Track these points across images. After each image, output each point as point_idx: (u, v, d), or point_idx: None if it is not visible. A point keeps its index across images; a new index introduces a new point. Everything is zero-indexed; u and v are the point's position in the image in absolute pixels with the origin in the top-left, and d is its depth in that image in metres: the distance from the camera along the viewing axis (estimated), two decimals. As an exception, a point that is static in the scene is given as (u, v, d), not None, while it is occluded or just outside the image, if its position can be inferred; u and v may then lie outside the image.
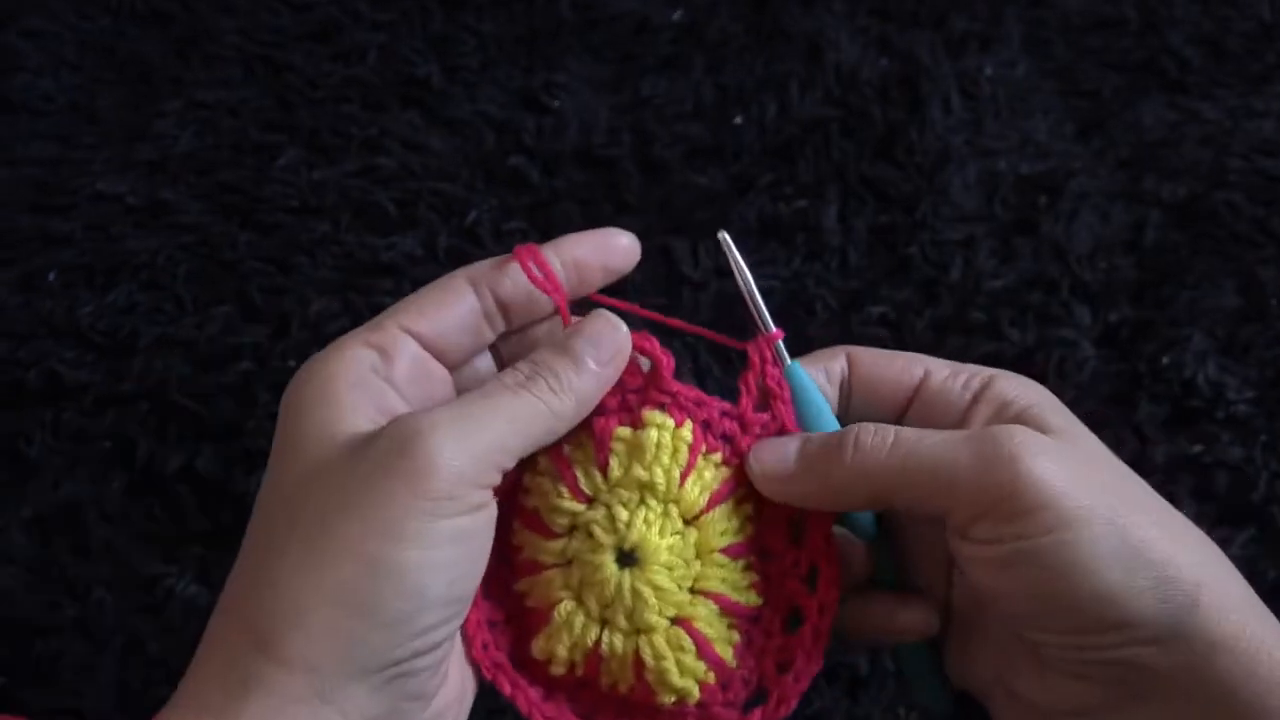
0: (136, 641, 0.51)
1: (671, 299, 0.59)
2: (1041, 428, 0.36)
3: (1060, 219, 0.60)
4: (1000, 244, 0.59)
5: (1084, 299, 0.58)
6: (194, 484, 0.54)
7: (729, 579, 0.39)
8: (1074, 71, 0.65)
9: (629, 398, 0.38)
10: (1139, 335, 0.56)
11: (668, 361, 0.39)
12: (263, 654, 0.31)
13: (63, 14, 0.70)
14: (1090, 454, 0.36)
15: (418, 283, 0.59)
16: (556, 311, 0.39)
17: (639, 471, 0.38)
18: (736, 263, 0.41)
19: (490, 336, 0.39)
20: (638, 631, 0.38)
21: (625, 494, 0.38)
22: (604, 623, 0.38)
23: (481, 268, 0.38)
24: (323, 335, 0.58)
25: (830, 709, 0.49)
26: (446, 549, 0.33)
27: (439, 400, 0.38)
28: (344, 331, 0.60)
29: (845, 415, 0.39)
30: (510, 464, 0.35)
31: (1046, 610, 0.34)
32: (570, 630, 0.38)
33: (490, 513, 0.35)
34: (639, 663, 0.37)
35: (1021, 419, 0.36)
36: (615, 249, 0.40)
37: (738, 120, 0.64)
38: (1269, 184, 0.61)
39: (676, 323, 0.41)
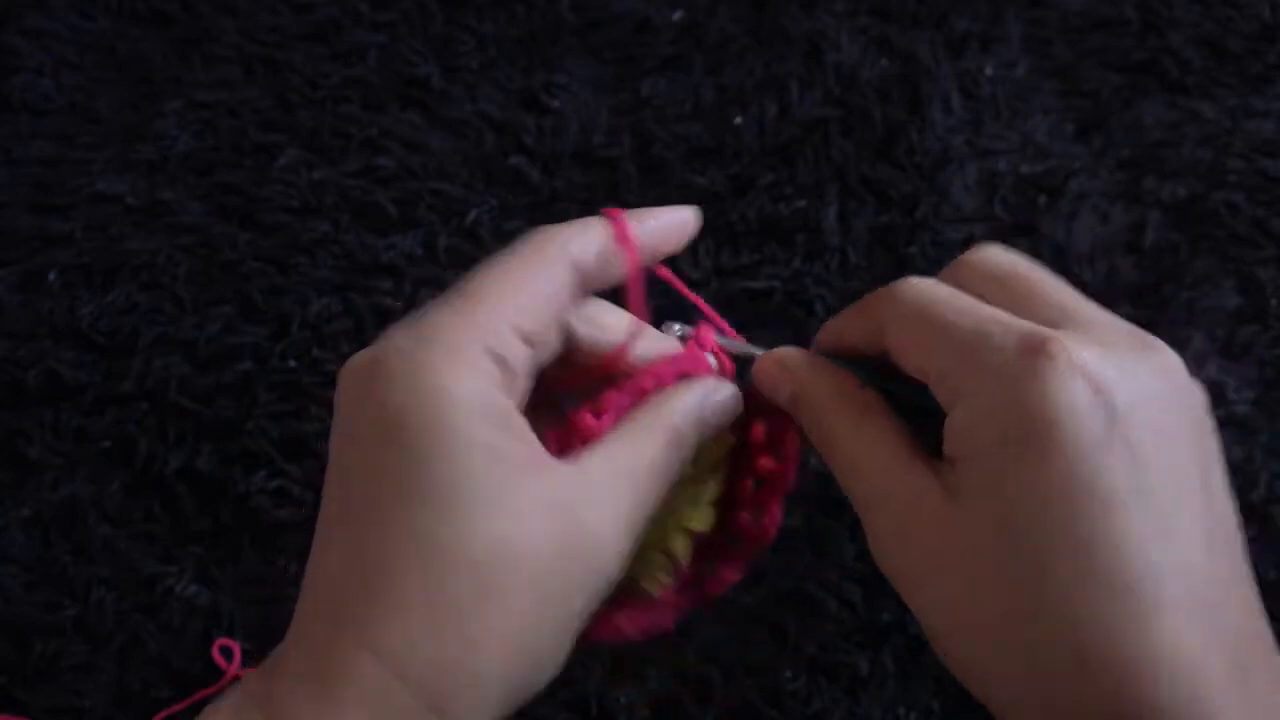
0: (136, 641, 0.51)
1: (672, 298, 0.59)
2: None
3: (1060, 219, 0.60)
4: (1000, 244, 0.59)
5: (1084, 299, 0.58)
6: (194, 484, 0.55)
7: (707, 519, 0.42)
8: (1074, 71, 0.65)
9: None
10: (1139, 335, 0.57)
11: (731, 367, 0.41)
12: (437, 715, 0.31)
13: (63, 14, 0.70)
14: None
15: (418, 283, 0.60)
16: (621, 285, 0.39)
17: (687, 469, 0.40)
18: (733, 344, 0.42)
19: None
20: (636, 561, 0.40)
21: None
22: None
23: (585, 253, 0.36)
24: (323, 335, 0.58)
25: (830, 709, 0.49)
26: None
27: (522, 398, 0.36)
28: (344, 332, 0.61)
29: None
30: None
31: None
32: None
33: None
34: (628, 580, 0.40)
35: (960, 464, 0.34)
36: (685, 234, 0.40)
37: (738, 120, 0.64)
38: (1269, 184, 0.61)
39: (715, 318, 0.42)
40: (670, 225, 0.39)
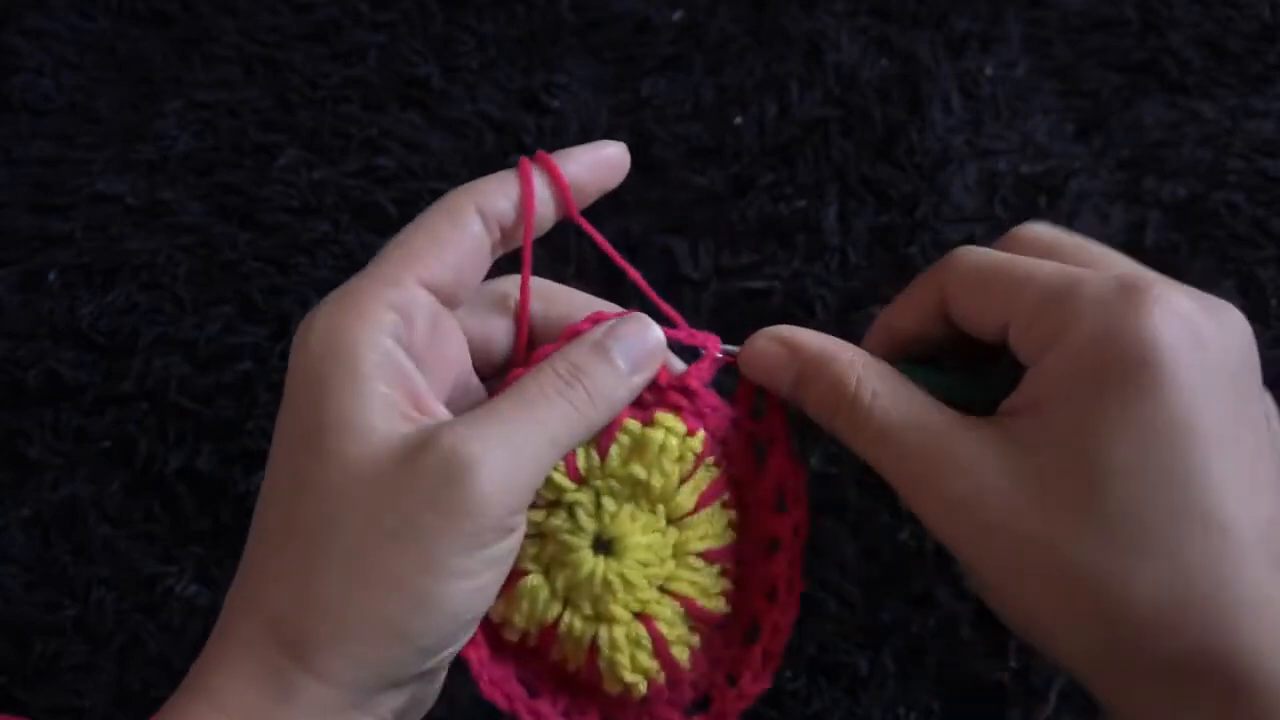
0: (136, 641, 0.51)
1: (672, 299, 0.59)
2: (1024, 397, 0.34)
3: (1060, 219, 0.60)
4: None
5: (1084, 299, 0.58)
6: (194, 484, 0.55)
7: (700, 583, 0.38)
8: (1074, 71, 0.65)
9: (646, 393, 0.38)
10: (1139, 335, 0.56)
11: (697, 370, 0.39)
12: (303, 668, 0.31)
13: (63, 14, 0.70)
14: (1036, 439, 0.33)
15: (418, 283, 0.60)
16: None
17: (637, 469, 0.37)
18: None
19: (489, 264, 0.38)
20: (599, 618, 0.37)
21: (618, 485, 0.37)
22: (567, 603, 0.37)
23: (487, 194, 0.37)
24: (323, 335, 0.58)
25: (830, 709, 0.49)
26: (485, 574, 0.33)
27: (451, 358, 0.37)
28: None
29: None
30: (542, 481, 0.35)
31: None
32: (533, 604, 0.37)
33: (522, 529, 0.35)
34: (594, 648, 0.37)
35: (1047, 405, 0.33)
36: (611, 167, 0.39)
37: (738, 120, 0.64)
38: (1269, 184, 0.61)
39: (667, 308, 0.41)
40: (596, 163, 0.39)
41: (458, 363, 0.38)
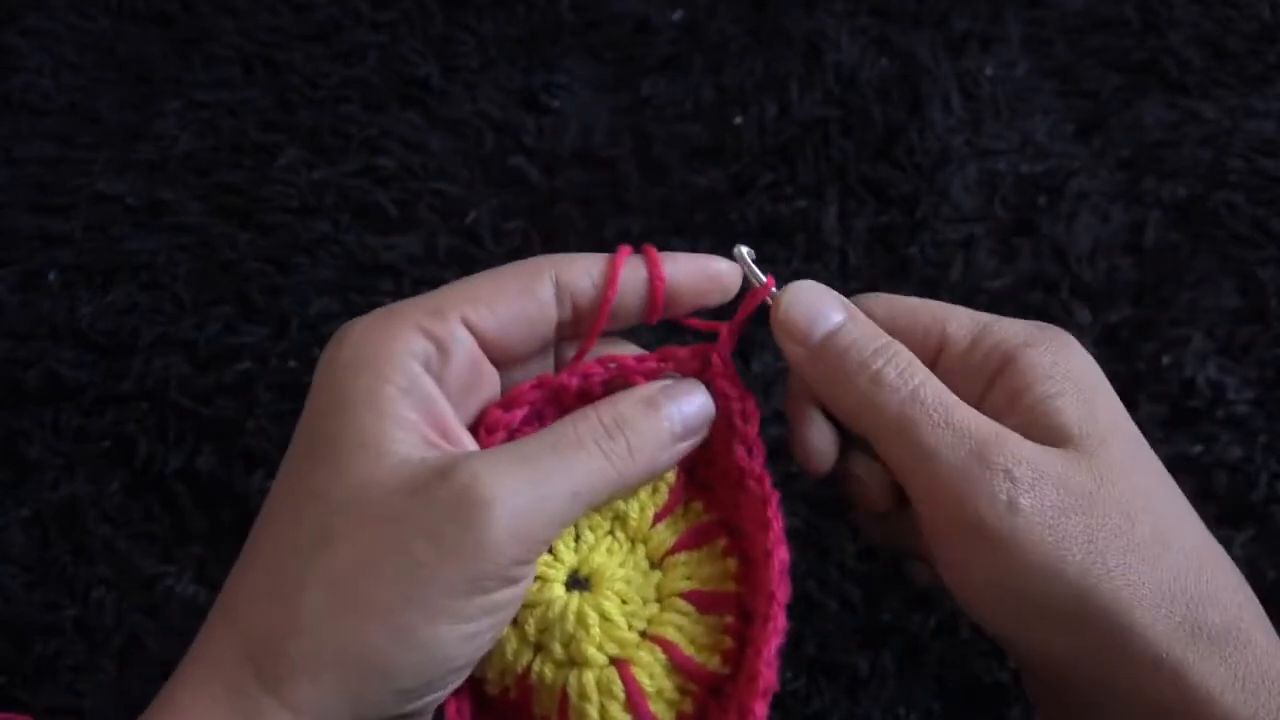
0: (136, 641, 0.51)
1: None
2: (1051, 430, 0.34)
3: (1060, 219, 0.60)
4: (1000, 244, 0.59)
5: (1084, 299, 0.58)
6: (194, 484, 0.55)
7: (689, 630, 0.35)
8: (1074, 71, 0.65)
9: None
10: (1139, 335, 0.56)
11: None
12: (271, 694, 0.30)
13: (63, 14, 0.70)
14: (1100, 473, 0.34)
15: (418, 283, 0.60)
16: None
17: (617, 502, 0.35)
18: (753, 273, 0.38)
19: (552, 340, 0.37)
20: (571, 662, 0.34)
21: (598, 517, 0.36)
22: (539, 648, 0.34)
23: (571, 267, 0.35)
24: (322, 335, 0.58)
25: (830, 709, 0.49)
26: (480, 622, 0.31)
27: (483, 404, 0.35)
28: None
29: None
30: (559, 534, 0.33)
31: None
32: (501, 653, 0.34)
33: (528, 580, 0.32)
34: (564, 698, 0.34)
35: (1033, 414, 0.35)
36: (713, 281, 0.37)
37: (738, 120, 0.64)
38: (1269, 184, 0.61)
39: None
40: (698, 271, 0.37)
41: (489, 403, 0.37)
